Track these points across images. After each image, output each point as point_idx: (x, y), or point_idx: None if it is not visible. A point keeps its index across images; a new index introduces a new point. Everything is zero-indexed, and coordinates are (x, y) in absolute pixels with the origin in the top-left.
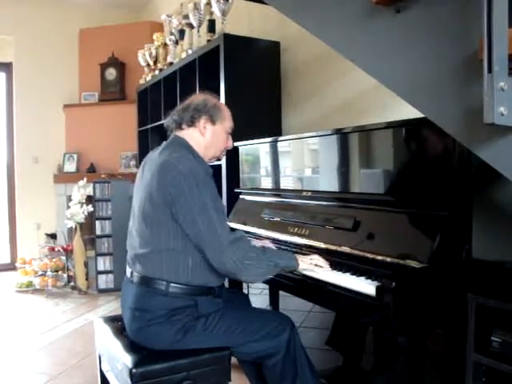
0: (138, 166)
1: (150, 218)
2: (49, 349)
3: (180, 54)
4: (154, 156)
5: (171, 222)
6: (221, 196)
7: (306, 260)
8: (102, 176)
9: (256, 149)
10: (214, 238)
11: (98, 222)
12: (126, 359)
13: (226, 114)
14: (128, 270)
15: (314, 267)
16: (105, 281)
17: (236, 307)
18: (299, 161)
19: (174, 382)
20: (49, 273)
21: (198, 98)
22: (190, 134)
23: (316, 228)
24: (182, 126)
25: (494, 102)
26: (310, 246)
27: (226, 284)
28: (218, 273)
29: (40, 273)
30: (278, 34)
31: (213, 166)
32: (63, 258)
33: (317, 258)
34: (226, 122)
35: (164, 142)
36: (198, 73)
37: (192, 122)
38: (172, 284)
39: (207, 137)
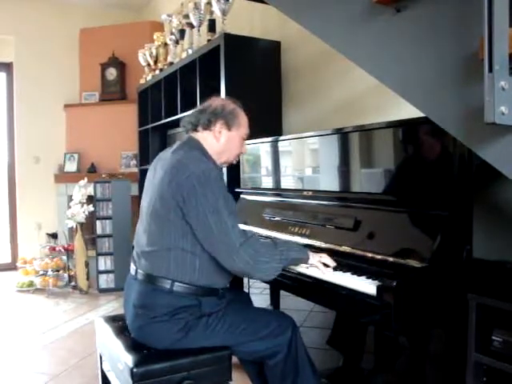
0: (138, 166)
1: (159, 216)
2: (49, 348)
3: (180, 54)
4: (167, 155)
5: (181, 221)
6: None
7: (316, 256)
8: (103, 176)
9: (257, 148)
10: (226, 240)
11: (98, 222)
12: (127, 359)
13: (243, 120)
14: (132, 268)
15: (321, 265)
16: (105, 280)
17: (238, 306)
18: (300, 160)
19: (174, 382)
20: (50, 272)
21: (216, 101)
22: (204, 137)
23: (317, 228)
24: (197, 129)
25: (494, 102)
26: (311, 246)
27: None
28: (224, 275)
29: (41, 272)
30: (279, 34)
31: None
32: (64, 257)
33: (325, 257)
34: (242, 129)
35: (178, 142)
36: (198, 72)
37: (208, 126)
38: (177, 283)
39: (221, 142)
